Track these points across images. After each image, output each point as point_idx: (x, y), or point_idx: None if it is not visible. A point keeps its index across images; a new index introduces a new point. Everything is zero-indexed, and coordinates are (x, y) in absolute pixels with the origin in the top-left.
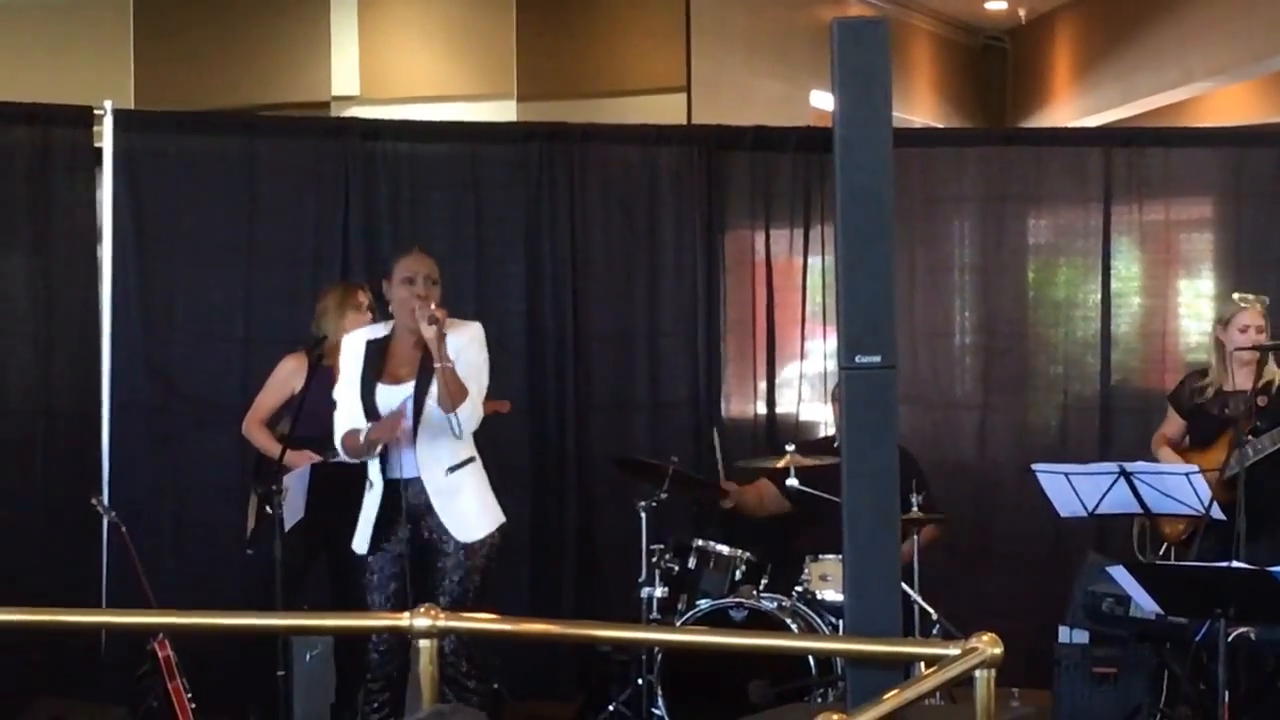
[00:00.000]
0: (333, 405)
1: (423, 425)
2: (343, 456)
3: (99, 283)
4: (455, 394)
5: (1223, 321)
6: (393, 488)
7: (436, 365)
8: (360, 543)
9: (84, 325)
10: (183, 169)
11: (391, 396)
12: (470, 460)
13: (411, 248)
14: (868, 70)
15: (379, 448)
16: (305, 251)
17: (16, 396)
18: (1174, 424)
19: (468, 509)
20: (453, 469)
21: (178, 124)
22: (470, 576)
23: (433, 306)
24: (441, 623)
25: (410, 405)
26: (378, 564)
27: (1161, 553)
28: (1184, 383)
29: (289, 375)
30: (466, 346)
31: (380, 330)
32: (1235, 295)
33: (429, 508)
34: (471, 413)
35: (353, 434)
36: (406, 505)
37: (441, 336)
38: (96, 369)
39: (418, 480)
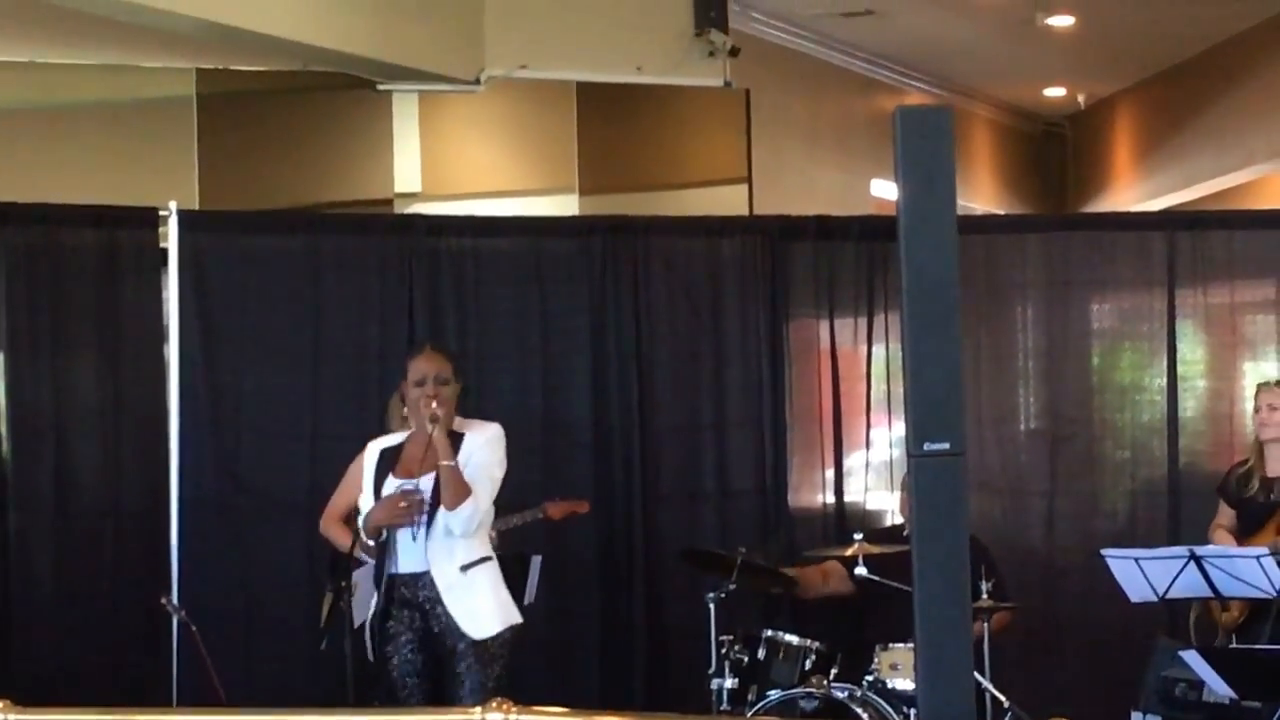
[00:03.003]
0: None
1: (435, 523)
2: (365, 557)
3: (166, 382)
4: (455, 494)
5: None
6: (390, 584)
7: (440, 463)
8: (370, 651)
9: (152, 424)
10: (248, 268)
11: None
12: (485, 559)
13: (423, 347)
14: (931, 158)
15: (382, 534)
16: (371, 348)
17: (86, 495)
18: (1225, 514)
19: (481, 606)
20: (466, 567)
21: (242, 224)
22: (488, 673)
23: (434, 406)
24: (514, 715)
25: (412, 489)
26: (397, 665)
27: (1217, 641)
28: (1229, 474)
29: (361, 471)
30: (481, 447)
31: (396, 438)
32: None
33: (438, 602)
34: (472, 513)
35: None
36: (411, 598)
37: (445, 436)
38: (165, 468)
39: (425, 575)
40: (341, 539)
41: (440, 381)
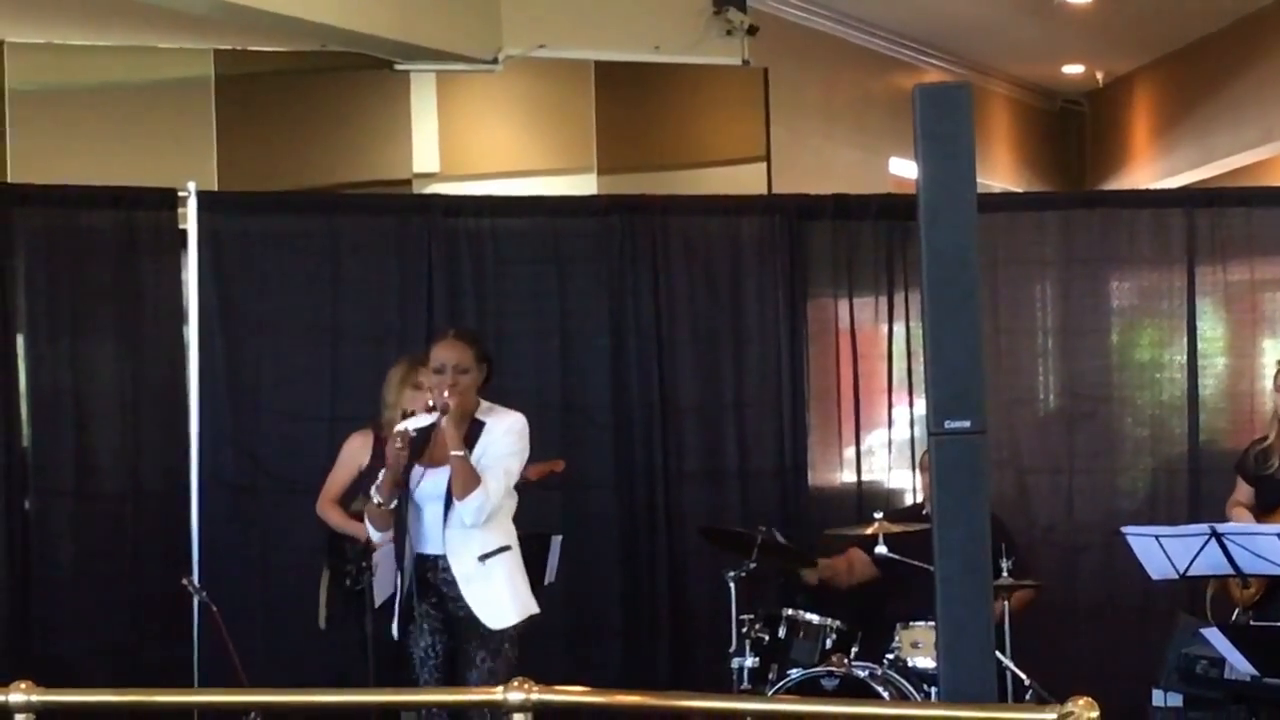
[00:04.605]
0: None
1: (453, 512)
2: (374, 535)
3: (185, 363)
4: (464, 483)
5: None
6: (420, 563)
7: (450, 454)
8: (396, 627)
9: (171, 406)
10: (266, 249)
11: (425, 478)
12: (504, 549)
13: (446, 333)
14: (950, 135)
15: (393, 501)
16: (390, 329)
17: (106, 477)
18: (1243, 490)
19: (497, 598)
20: (484, 557)
21: (261, 204)
22: (501, 661)
23: (445, 394)
24: (536, 695)
25: (412, 429)
26: (417, 646)
27: (1234, 617)
28: (1247, 450)
29: (355, 451)
30: (500, 437)
31: (427, 420)
32: None
33: (455, 587)
34: (481, 504)
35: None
36: (432, 581)
37: (455, 426)
38: (184, 449)
39: (445, 558)
40: (340, 522)
41: (460, 370)
